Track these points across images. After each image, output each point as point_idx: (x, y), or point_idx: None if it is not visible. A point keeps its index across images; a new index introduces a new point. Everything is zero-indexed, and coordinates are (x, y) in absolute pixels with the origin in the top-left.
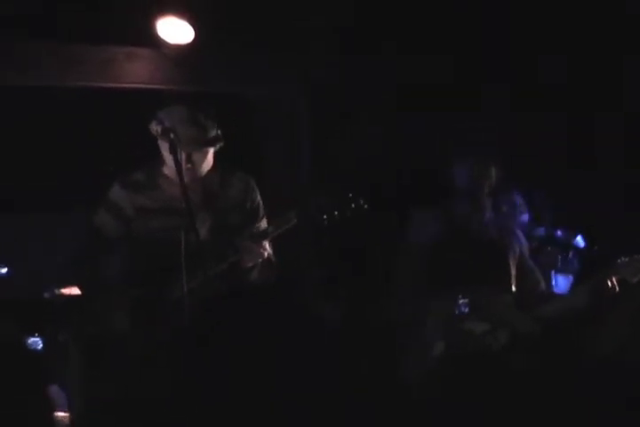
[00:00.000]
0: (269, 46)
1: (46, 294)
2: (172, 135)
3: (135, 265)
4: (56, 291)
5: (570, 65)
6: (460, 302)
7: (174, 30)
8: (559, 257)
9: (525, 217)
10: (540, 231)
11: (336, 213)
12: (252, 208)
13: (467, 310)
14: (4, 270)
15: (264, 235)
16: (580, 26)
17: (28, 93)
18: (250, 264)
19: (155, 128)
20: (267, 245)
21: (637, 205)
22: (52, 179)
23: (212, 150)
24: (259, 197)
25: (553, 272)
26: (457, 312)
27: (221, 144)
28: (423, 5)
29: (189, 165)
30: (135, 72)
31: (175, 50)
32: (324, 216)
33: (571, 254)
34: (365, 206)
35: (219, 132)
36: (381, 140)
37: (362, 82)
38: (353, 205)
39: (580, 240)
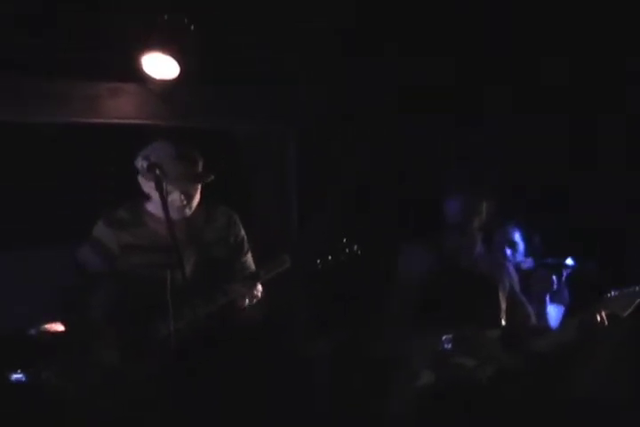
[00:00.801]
0: (256, 81)
1: (32, 331)
2: (157, 171)
3: (120, 302)
4: (41, 327)
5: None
6: (444, 337)
7: (160, 66)
8: (553, 278)
9: (521, 251)
10: (528, 263)
11: (330, 257)
12: (235, 242)
13: (449, 346)
14: None
15: (255, 278)
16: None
17: (12, 129)
18: (243, 306)
19: (140, 163)
20: (258, 286)
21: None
22: (35, 215)
23: (199, 186)
24: (242, 232)
25: (547, 297)
26: (440, 348)
27: (211, 178)
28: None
29: (184, 202)
30: (121, 108)
31: (161, 85)
32: (318, 261)
33: (563, 278)
34: (359, 252)
35: (204, 166)
36: (375, 170)
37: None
38: (347, 250)
39: (570, 261)
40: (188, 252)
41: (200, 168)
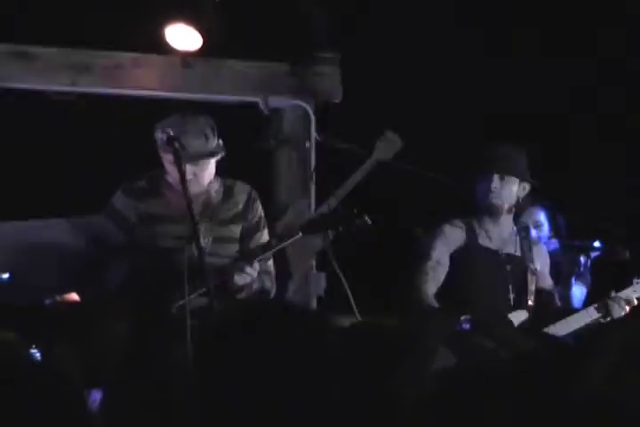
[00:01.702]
0: (281, 56)
1: (47, 302)
2: (176, 144)
3: (137, 273)
4: (57, 298)
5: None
6: (463, 318)
7: (182, 37)
8: (580, 259)
9: (546, 232)
10: (553, 244)
11: (340, 228)
12: (253, 219)
13: (468, 326)
14: (6, 276)
15: (268, 248)
16: None
17: (35, 97)
18: (240, 284)
19: (160, 136)
20: (270, 260)
21: None
22: (56, 185)
23: (213, 161)
24: (260, 209)
25: (573, 280)
26: (458, 328)
27: (223, 154)
28: None
29: (192, 177)
30: (142, 78)
31: (183, 57)
32: (329, 231)
33: (590, 260)
34: (370, 223)
35: (220, 142)
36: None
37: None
38: (358, 222)
39: (598, 243)
40: (205, 226)
41: (212, 144)
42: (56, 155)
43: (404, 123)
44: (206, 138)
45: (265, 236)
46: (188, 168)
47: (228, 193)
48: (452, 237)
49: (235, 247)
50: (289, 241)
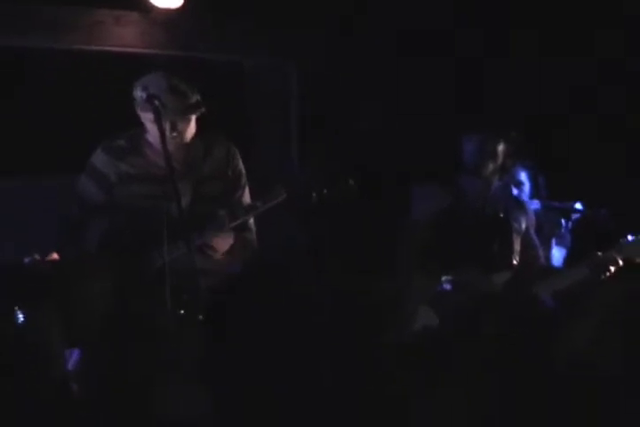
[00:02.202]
0: (260, 13)
1: (26, 260)
2: (156, 102)
3: (116, 232)
4: (36, 257)
5: None
6: (444, 278)
7: None
8: (562, 221)
9: (526, 192)
10: (535, 204)
11: (325, 191)
12: (233, 176)
13: (449, 287)
14: None
15: (252, 209)
16: None
17: (16, 55)
18: (218, 246)
19: (139, 94)
20: (251, 221)
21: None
22: (32, 142)
23: (194, 117)
24: (240, 165)
25: (553, 242)
26: (439, 289)
27: (203, 111)
28: None
29: (175, 134)
30: (124, 36)
31: (164, 14)
32: (313, 194)
33: (571, 222)
34: (355, 186)
35: (199, 98)
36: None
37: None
38: (342, 185)
39: (579, 205)
40: (185, 184)
41: (191, 100)
42: (37, 113)
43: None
44: (184, 95)
45: (246, 193)
46: (168, 125)
47: (207, 150)
48: (435, 197)
49: (215, 205)
50: (273, 202)
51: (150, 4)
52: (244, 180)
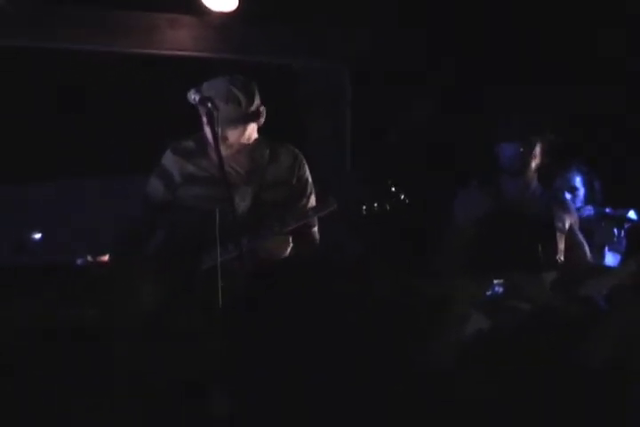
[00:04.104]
0: (315, 18)
1: (79, 261)
2: (209, 104)
3: (174, 234)
4: (89, 258)
5: None
6: (495, 282)
7: None
8: (614, 230)
9: (581, 197)
10: (589, 210)
11: (375, 204)
12: (298, 184)
13: (500, 290)
14: (39, 236)
15: (303, 217)
16: None
17: (72, 57)
18: (270, 252)
19: (192, 96)
20: (315, 227)
21: None
22: (92, 146)
23: (251, 126)
24: (307, 173)
25: (606, 249)
26: (490, 293)
27: (260, 121)
28: None
29: (227, 141)
30: (178, 39)
31: (218, 18)
32: (364, 207)
33: (624, 230)
34: (406, 201)
35: (260, 107)
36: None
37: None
38: (394, 199)
39: (633, 214)
40: (247, 189)
41: (248, 109)
42: (90, 115)
43: None
44: (240, 103)
45: (312, 201)
46: (220, 132)
47: (272, 156)
48: (477, 200)
49: (276, 211)
50: (324, 212)
51: (205, 7)
52: (310, 188)
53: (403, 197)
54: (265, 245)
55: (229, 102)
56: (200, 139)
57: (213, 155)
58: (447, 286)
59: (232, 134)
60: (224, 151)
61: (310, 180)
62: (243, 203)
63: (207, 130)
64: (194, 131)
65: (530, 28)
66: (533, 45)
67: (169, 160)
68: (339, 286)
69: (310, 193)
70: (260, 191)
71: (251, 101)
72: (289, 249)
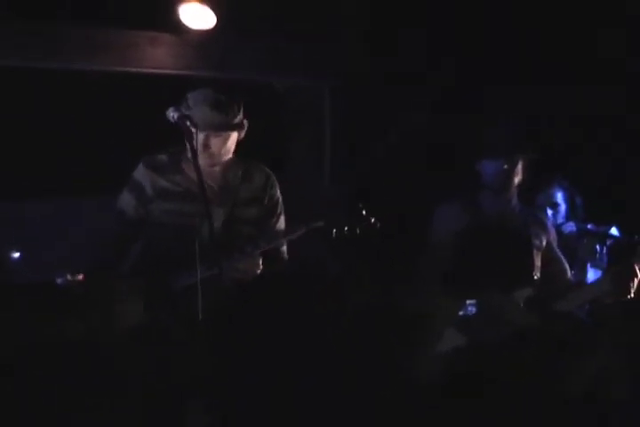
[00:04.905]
0: (295, 35)
1: (58, 280)
2: (187, 123)
3: (149, 249)
4: (68, 277)
5: None
6: (468, 302)
7: (197, 16)
8: (596, 247)
9: (562, 213)
10: (571, 226)
11: (346, 228)
12: (270, 204)
13: (474, 310)
14: (17, 255)
15: (288, 233)
16: None
17: (50, 76)
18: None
19: (171, 114)
20: (284, 246)
21: None
22: (67, 165)
23: (232, 137)
24: (278, 193)
25: (589, 265)
26: (463, 313)
27: (243, 131)
28: None
29: (209, 150)
30: (158, 57)
31: (198, 36)
32: (334, 230)
33: (606, 247)
34: (377, 225)
35: (244, 121)
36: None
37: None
38: (364, 223)
39: (615, 230)
40: (220, 207)
41: (232, 119)
42: (66, 134)
43: None
44: (224, 111)
45: (281, 221)
46: (201, 139)
47: (245, 175)
48: (455, 216)
49: (248, 229)
50: (295, 235)
51: (184, 25)
52: (280, 208)
53: (373, 220)
54: (237, 266)
55: (215, 109)
56: (175, 154)
57: (188, 171)
58: (428, 304)
59: (215, 143)
60: (201, 165)
61: (281, 200)
62: (217, 220)
63: (187, 145)
64: (167, 147)
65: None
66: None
67: (140, 174)
68: (316, 303)
69: (280, 213)
70: (233, 209)
71: (236, 111)
72: (259, 269)
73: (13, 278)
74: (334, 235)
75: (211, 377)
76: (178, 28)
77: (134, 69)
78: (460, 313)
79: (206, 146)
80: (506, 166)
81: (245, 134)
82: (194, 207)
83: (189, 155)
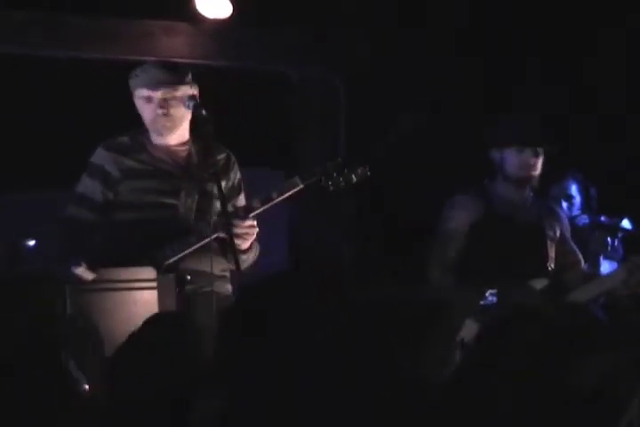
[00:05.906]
0: (311, 24)
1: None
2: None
3: (122, 229)
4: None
5: None
6: (489, 291)
7: (213, 5)
8: (608, 240)
9: (577, 205)
10: (584, 219)
11: (341, 178)
12: (235, 179)
13: (494, 300)
14: (33, 243)
15: (268, 201)
16: None
17: (64, 65)
18: (244, 246)
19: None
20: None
21: None
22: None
23: (187, 100)
24: (239, 173)
25: (601, 257)
26: (484, 302)
27: (196, 97)
28: None
29: (164, 110)
30: (173, 46)
31: (213, 25)
32: (329, 182)
33: (618, 239)
34: (368, 173)
35: (194, 91)
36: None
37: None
38: (357, 171)
39: (627, 223)
40: (191, 182)
41: (182, 75)
42: (88, 121)
43: None
44: (173, 70)
45: (242, 199)
46: (159, 97)
47: (206, 152)
48: (470, 206)
49: (215, 205)
50: (290, 193)
51: (200, 14)
52: (242, 187)
53: (364, 168)
54: (236, 232)
55: (164, 68)
56: (136, 135)
57: (152, 150)
58: (445, 295)
59: (173, 104)
60: (165, 144)
61: (241, 178)
62: (191, 195)
63: (144, 115)
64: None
65: (530, 28)
66: (533, 45)
67: (101, 157)
68: (317, 298)
69: (242, 190)
70: (201, 184)
71: (185, 72)
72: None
73: (28, 267)
74: (331, 187)
75: (213, 376)
76: (194, 17)
77: (150, 58)
78: (481, 303)
79: (163, 107)
80: (534, 158)
81: (254, 123)
82: (166, 184)
83: (151, 136)
